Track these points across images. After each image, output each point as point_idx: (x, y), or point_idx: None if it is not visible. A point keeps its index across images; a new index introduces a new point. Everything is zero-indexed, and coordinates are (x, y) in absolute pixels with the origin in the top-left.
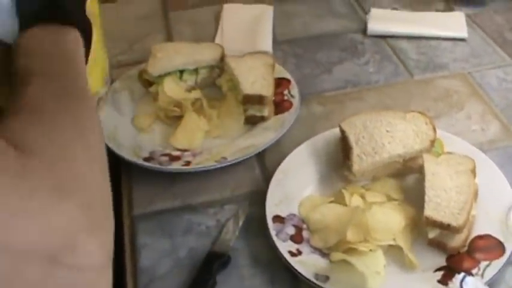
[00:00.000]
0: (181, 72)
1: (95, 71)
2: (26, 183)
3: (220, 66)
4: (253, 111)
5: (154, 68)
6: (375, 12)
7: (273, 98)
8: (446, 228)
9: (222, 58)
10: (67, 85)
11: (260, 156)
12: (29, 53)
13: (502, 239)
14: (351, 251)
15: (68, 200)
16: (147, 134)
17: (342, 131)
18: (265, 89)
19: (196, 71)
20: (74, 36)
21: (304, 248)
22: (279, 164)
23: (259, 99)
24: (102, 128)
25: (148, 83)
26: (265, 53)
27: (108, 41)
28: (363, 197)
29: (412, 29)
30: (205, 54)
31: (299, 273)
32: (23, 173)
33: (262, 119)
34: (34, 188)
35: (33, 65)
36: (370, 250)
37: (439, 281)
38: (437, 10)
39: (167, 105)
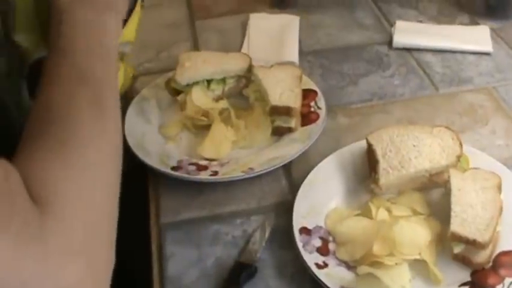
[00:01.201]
0: (209, 81)
1: (132, 22)
2: (41, 246)
3: (247, 76)
4: (280, 122)
5: (182, 76)
6: (400, 24)
7: (300, 110)
8: (471, 243)
9: (250, 68)
10: (97, 97)
11: (287, 167)
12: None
13: None
14: (376, 264)
15: (78, 262)
16: (175, 143)
17: (369, 144)
18: (293, 100)
19: (223, 80)
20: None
21: (330, 260)
22: (305, 176)
23: (287, 111)
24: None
25: (176, 91)
26: (292, 63)
27: (135, 49)
28: (389, 210)
29: (437, 42)
30: (233, 64)
31: (325, 285)
32: (40, 235)
33: (289, 130)
34: (49, 251)
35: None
36: (396, 264)
37: None
38: (461, 23)
39: (195, 114)
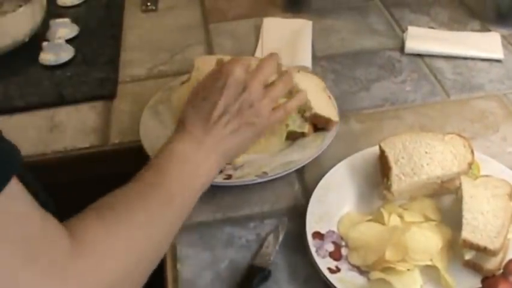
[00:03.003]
0: None
1: None
2: (60, 283)
3: None
4: (293, 127)
5: (197, 80)
6: (412, 30)
7: None
8: (482, 250)
9: None
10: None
11: (300, 172)
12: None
13: None
14: (388, 269)
15: None
16: None
17: (382, 151)
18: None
19: None
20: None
21: (342, 265)
22: (318, 180)
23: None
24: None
25: None
26: (306, 68)
27: (150, 51)
28: (401, 216)
29: (449, 48)
30: None
31: None
32: (62, 275)
33: (303, 135)
34: None
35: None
36: (408, 270)
37: None
38: (473, 30)
39: None
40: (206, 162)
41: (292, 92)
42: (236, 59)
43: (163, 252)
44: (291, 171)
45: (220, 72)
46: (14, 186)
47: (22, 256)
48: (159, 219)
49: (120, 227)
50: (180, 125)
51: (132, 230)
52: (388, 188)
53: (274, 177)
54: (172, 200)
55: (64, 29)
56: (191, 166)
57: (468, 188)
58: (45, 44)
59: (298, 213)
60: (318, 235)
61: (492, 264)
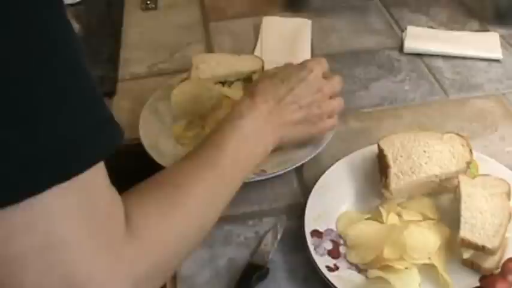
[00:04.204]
0: (223, 83)
1: None
2: (119, 269)
3: None
4: None
5: (197, 78)
6: (411, 30)
7: None
8: (481, 249)
9: (262, 70)
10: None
11: (299, 170)
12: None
13: None
14: (386, 268)
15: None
16: (188, 144)
17: (380, 149)
18: None
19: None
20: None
21: (341, 263)
22: (317, 179)
23: None
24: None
25: None
26: None
27: (149, 49)
28: (399, 215)
29: (447, 48)
30: (246, 66)
31: None
32: (119, 255)
33: None
34: (115, 268)
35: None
36: (406, 268)
37: None
38: (471, 30)
39: None
40: (264, 143)
41: None
42: (320, 59)
43: (208, 230)
44: (289, 169)
45: (304, 66)
46: (101, 164)
47: (88, 230)
48: (210, 200)
49: (174, 212)
50: (250, 97)
51: (184, 214)
52: (387, 186)
53: (273, 175)
54: (225, 179)
55: None
56: (250, 146)
57: (466, 187)
58: None
59: (296, 212)
60: (316, 233)
61: (490, 263)
